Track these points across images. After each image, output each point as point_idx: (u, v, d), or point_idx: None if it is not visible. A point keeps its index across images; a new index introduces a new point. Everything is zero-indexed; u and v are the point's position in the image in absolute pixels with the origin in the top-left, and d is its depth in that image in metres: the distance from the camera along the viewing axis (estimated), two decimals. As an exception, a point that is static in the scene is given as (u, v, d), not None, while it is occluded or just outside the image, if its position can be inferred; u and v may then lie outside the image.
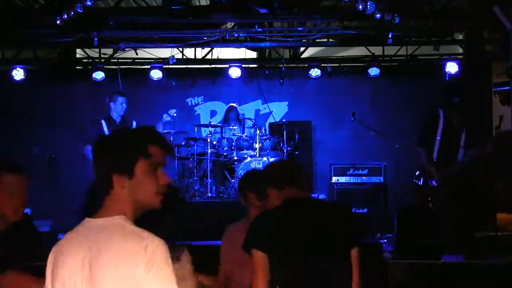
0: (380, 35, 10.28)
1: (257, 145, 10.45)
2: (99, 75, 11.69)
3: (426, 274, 7.30)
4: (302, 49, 12.23)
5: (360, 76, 12.14)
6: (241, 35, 10.30)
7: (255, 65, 12.49)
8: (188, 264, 3.78)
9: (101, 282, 2.41)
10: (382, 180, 10.26)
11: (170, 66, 11.63)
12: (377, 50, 12.12)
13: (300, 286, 3.83)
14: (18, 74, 11.57)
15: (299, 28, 10.55)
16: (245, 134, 10.88)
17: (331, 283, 3.82)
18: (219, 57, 12.10)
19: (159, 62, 11.77)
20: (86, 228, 2.66)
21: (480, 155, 7.78)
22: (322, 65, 11.94)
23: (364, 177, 10.36)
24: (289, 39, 10.96)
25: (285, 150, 10.67)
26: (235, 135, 10.67)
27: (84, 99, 12.02)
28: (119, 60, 12.16)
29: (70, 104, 12.16)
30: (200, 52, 12.18)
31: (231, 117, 11.23)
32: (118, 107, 9.06)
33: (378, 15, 8.57)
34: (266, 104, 12.28)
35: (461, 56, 11.94)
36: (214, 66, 12.27)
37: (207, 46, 11.41)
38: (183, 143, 10.77)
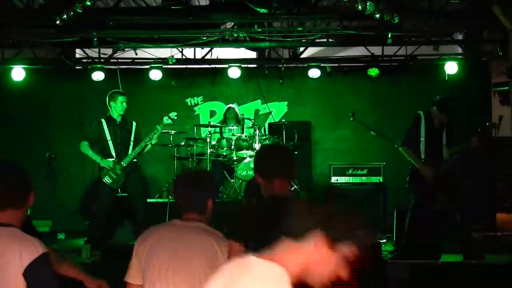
0: (379, 35, 10.27)
1: (256, 145, 10.45)
2: (98, 75, 11.70)
3: (426, 274, 7.31)
4: (301, 49, 12.22)
5: (359, 76, 12.15)
6: (240, 35, 10.28)
7: (255, 65, 12.48)
8: None
9: None
10: (381, 180, 10.26)
11: (169, 66, 11.62)
12: (376, 50, 12.12)
13: None
14: (18, 74, 11.58)
15: (298, 28, 10.53)
16: (244, 134, 10.88)
17: None
18: (218, 57, 12.09)
19: (159, 62, 11.76)
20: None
21: (465, 151, 7.85)
22: (322, 65, 11.94)
23: (363, 177, 10.37)
24: (288, 39, 10.95)
25: (284, 150, 10.65)
26: (234, 135, 10.67)
27: (83, 99, 12.03)
28: (119, 60, 12.16)
29: (69, 104, 12.17)
30: (200, 52, 12.18)
31: (230, 117, 11.23)
32: (118, 106, 9.06)
33: (377, 15, 8.56)
34: (265, 104, 12.27)
35: (460, 56, 11.94)
36: (213, 66, 12.27)
37: (206, 46, 11.41)
38: (183, 143, 10.77)
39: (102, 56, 12.23)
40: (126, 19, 9.79)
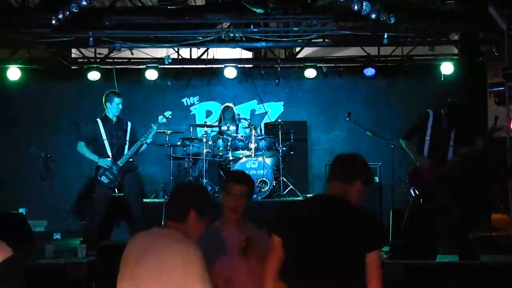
0: (375, 35, 10.27)
1: (252, 145, 10.45)
2: (94, 75, 11.69)
3: (421, 274, 7.32)
4: (297, 49, 12.23)
5: (355, 77, 12.16)
6: (236, 35, 10.27)
7: (251, 65, 12.50)
8: None
9: None
10: (377, 180, 10.26)
11: (165, 66, 11.61)
12: (372, 51, 12.14)
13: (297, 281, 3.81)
14: (14, 73, 11.56)
15: (294, 28, 10.53)
16: (240, 134, 10.88)
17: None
18: (214, 57, 12.09)
19: (155, 62, 11.76)
20: None
21: (471, 153, 7.82)
22: (318, 65, 11.97)
23: (359, 177, 10.35)
24: (284, 39, 10.95)
25: (280, 150, 10.67)
26: (230, 135, 10.66)
27: (79, 99, 12.02)
28: (115, 60, 12.15)
29: (65, 104, 12.15)
30: (196, 52, 12.18)
31: (226, 116, 11.23)
32: (114, 108, 9.06)
33: (373, 16, 8.56)
34: (261, 104, 12.28)
35: (456, 57, 11.96)
36: (209, 66, 12.27)
37: (202, 46, 11.39)
38: (179, 143, 10.76)
39: (98, 56, 12.22)
40: (122, 19, 9.77)
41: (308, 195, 10.60)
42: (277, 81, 12.09)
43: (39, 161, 10.52)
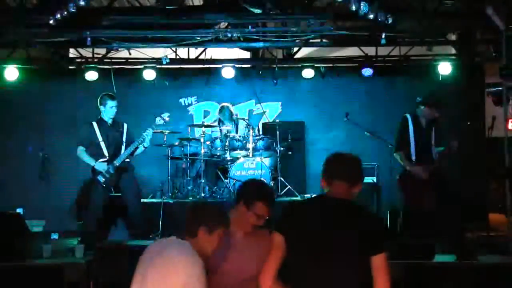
0: (373, 35, 10.28)
1: (250, 145, 10.46)
2: (92, 75, 11.68)
3: (419, 274, 7.32)
4: (295, 49, 12.23)
5: (353, 77, 12.16)
6: (234, 35, 10.27)
7: (249, 65, 12.50)
8: None
9: None
10: (375, 180, 10.26)
11: (163, 66, 11.61)
12: (370, 51, 12.14)
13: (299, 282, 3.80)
14: (11, 73, 11.55)
15: (292, 29, 10.53)
16: (238, 134, 10.88)
17: None
18: (212, 57, 12.09)
19: (153, 62, 11.76)
20: None
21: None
22: (316, 65, 11.97)
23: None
24: (282, 39, 10.95)
25: (278, 151, 10.68)
26: (228, 135, 10.67)
27: (77, 99, 12.00)
28: (112, 60, 12.16)
29: (63, 104, 12.14)
30: (194, 52, 12.18)
31: (224, 116, 11.23)
32: (108, 111, 9.04)
33: (371, 16, 8.56)
34: (259, 104, 12.27)
35: (454, 57, 11.97)
36: (207, 66, 12.28)
37: (200, 46, 11.40)
38: (177, 143, 10.77)
39: (95, 56, 12.21)
40: (120, 18, 9.77)
41: (306, 195, 10.62)
42: (275, 81, 12.08)
43: (37, 161, 10.52)
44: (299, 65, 12.06)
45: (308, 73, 11.92)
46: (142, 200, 9.82)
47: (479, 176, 11.50)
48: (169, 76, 12.36)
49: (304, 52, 12.51)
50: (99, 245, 7.85)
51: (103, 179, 8.93)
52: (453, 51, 12.17)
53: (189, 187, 10.56)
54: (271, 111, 12.48)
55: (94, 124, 9.07)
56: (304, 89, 12.46)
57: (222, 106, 11.41)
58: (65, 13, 8.63)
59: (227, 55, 12.20)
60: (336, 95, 12.33)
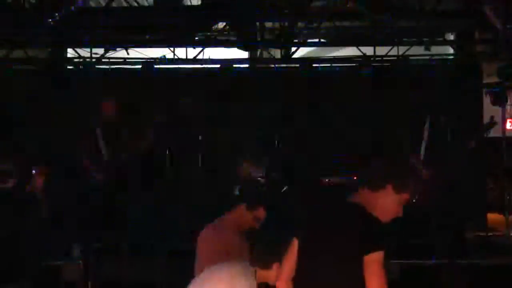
0: (371, 35, 10.28)
1: (248, 145, 10.44)
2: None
3: (417, 274, 7.33)
4: (293, 49, 12.21)
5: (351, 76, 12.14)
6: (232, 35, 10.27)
7: (247, 65, 12.47)
8: None
9: None
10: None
11: (161, 66, 11.59)
12: (368, 50, 12.12)
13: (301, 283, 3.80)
14: (9, 73, 11.53)
15: (290, 29, 10.53)
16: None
17: None
18: (210, 57, 12.07)
19: (151, 62, 11.74)
20: None
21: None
22: (314, 65, 11.94)
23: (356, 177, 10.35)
24: (280, 39, 10.94)
25: (276, 150, 10.66)
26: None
27: (75, 99, 11.97)
28: (110, 60, 12.12)
29: (61, 104, 12.10)
30: (192, 52, 12.16)
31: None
32: None
33: (369, 16, 8.58)
34: (257, 104, 12.24)
35: (452, 57, 11.96)
36: (205, 66, 12.25)
37: (198, 46, 11.39)
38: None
39: (94, 55, 12.19)
40: (118, 18, 9.76)
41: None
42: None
43: (34, 161, 10.49)
44: (297, 65, 12.03)
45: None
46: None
47: (478, 176, 11.49)
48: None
49: (302, 52, 12.49)
50: (97, 246, 7.86)
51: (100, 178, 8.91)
52: (451, 50, 12.17)
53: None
54: (270, 111, 12.45)
55: None
56: (302, 89, 12.42)
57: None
58: (63, 12, 8.63)
59: (225, 55, 12.17)
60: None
